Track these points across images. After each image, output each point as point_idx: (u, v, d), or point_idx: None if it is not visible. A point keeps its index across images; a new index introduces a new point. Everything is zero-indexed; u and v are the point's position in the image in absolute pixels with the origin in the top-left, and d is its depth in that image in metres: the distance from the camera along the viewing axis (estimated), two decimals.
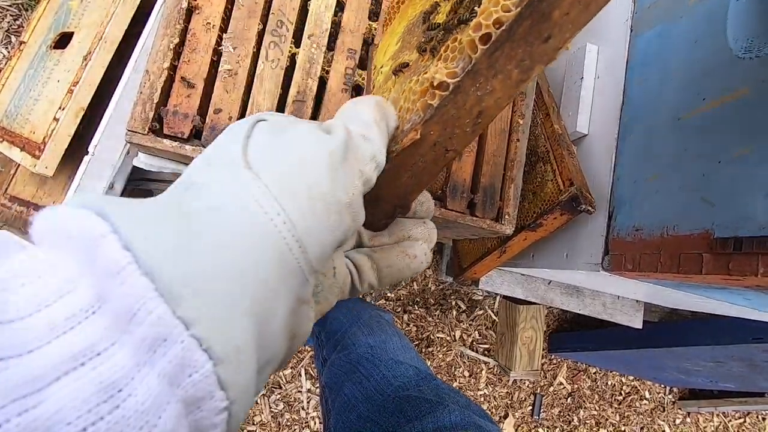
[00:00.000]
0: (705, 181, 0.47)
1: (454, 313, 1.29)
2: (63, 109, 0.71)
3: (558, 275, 0.86)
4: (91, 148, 0.64)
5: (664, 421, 1.44)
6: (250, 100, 0.52)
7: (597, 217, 0.61)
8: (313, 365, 1.20)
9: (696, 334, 0.95)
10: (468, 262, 0.87)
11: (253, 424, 1.15)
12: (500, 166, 0.58)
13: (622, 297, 0.97)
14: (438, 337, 1.28)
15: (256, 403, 1.17)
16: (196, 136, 0.50)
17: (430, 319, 1.26)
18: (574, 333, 1.28)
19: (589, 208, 0.57)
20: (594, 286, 0.90)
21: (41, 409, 0.13)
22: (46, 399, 0.13)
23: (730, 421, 1.50)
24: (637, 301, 0.99)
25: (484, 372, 1.30)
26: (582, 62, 0.68)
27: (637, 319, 0.99)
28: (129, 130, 0.47)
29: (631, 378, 1.42)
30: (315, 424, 1.18)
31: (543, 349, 1.26)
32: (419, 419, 0.50)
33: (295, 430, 1.16)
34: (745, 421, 1.50)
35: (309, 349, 1.19)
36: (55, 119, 0.72)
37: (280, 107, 0.52)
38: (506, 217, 0.58)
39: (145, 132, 0.47)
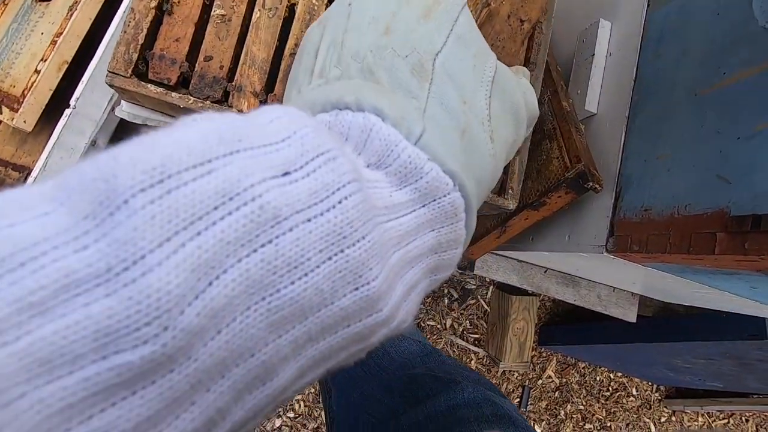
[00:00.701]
0: (722, 158, 0.45)
1: (446, 301, 1.27)
2: (45, 60, 0.67)
3: (555, 262, 0.84)
4: (72, 101, 0.60)
5: (649, 418, 1.44)
6: (244, 50, 0.48)
7: (602, 198, 0.59)
8: None
9: (690, 330, 0.94)
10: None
11: None
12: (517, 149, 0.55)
13: (618, 289, 0.96)
14: (428, 325, 1.26)
15: None
16: (184, 85, 0.47)
17: (422, 306, 1.24)
18: (565, 326, 1.27)
19: (596, 185, 0.54)
20: (592, 275, 0.88)
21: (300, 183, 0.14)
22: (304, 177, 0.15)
23: (715, 421, 1.50)
24: (632, 294, 0.97)
25: (473, 362, 1.28)
26: (594, 39, 0.66)
27: (632, 312, 0.98)
28: (110, 72, 0.44)
29: (620, 374, 1.41)
30: (299, 407, 1.15)
31: (533, 342, 1.25)
32: (431, 398, 0.46)
33: (279, 412, 1.14)
34: (729, 422, 1.50)
35: None
36: (36, 71, 0.68)
37: (277, 60, 0.49)
38: (510, 191, 0.55)
39: (128, 75, 0.44)
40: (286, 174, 0.14)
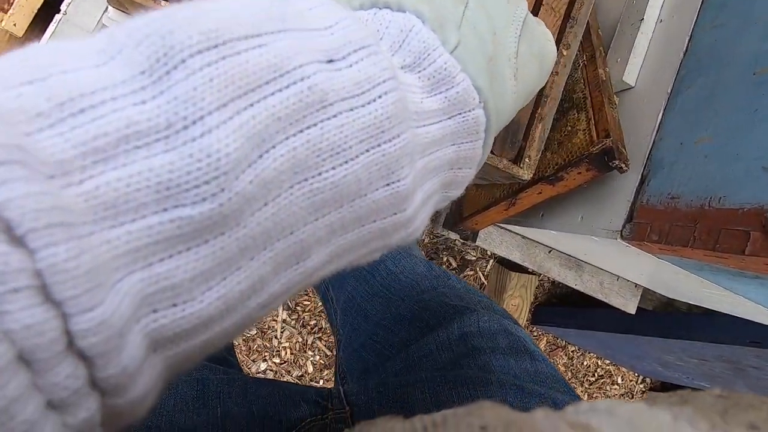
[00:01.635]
0: None
1: (444, 269, 1.24)
2: None
3: (562, 243, 0.80)
4: (63, 6, 0.55)
5: None
6: None
7: (626, 179, 0.54)
8: (293, 295, 1.16)
9: (690, 329, 0.91)
10: (471, 210, 0.80)
11: None
12: (531, 100, 0.50)
13: (622, 279, 0.92)
14: None
15: None
16: None
17: None
18: (561, 308, 1.24)
19: (622, 165, 0.49)
20: (598, 261, 0.84)
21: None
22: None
23: None
24: (636, 285, 0.94)
25: None
26: (645, 2, 0.58)
27: (632, 303, 0.94)
28: None
29: (608, 362, 1.40)
30: (286, 354, 1.15)
31: (527, 320, 1.23)
32: (443, 326, 0.43)
33: (265, 356, 1.14)
34: None
35: None
36: None
37: None
38: (526, 160, 0.51)
39: None
40: (330, 61, 0.14)
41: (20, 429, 0.10)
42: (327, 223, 0.15)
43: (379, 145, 0.15)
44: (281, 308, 1.13)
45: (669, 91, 0.53)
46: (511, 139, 0.49)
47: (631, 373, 1.44)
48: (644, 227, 0.50)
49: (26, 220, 0.10)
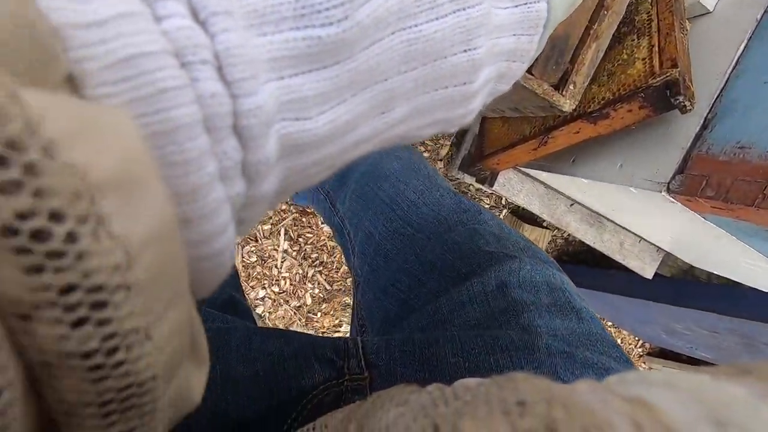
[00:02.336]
0: None
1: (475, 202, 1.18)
2: None
3: (589, 195, 0.73)
4: None
5: None
6: None
7: (685, 122, 0.46)
8: (296, 227, 1.10)
9: (708, 299, 0.86)
10: (494, 148, 0.72)
11: None
12: (586, 12, 0.41)
13: (645, 241, 0.85)
14: None
15: None
16: None
17: None
18: (572, 266, 1.19)
19: (687, 102, 0.41)
20: (624, 219, 0.77)
21: None
22: None
23: None
24: (658, 249, 0.87)
25: None
26: None
27: (651, 268, 0.89)
28: None
29: (610, 324, 1.37)
30: (285, 284, 1.12)
31: None
32: (478, 274, 0.37)
33: (264, 284, 1.11)
34: None
35: (293, 209, 1.09)
36: None
37: None
38: (571, 87, 0.43)
39: None
40: None
41: (204, 180, 0.11)
42: (413, 77, 0.16)
43: (465, 9, 0.15)
44: (283, 237, 1.09)
45: (758, 18, 0.43)
46: (556, 59, 0.41)
47: (630, 336, 1.42)
48: (698, 180, 0.42)
49: (209, 4, 0.11)
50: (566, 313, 0.34)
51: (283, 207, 1.06)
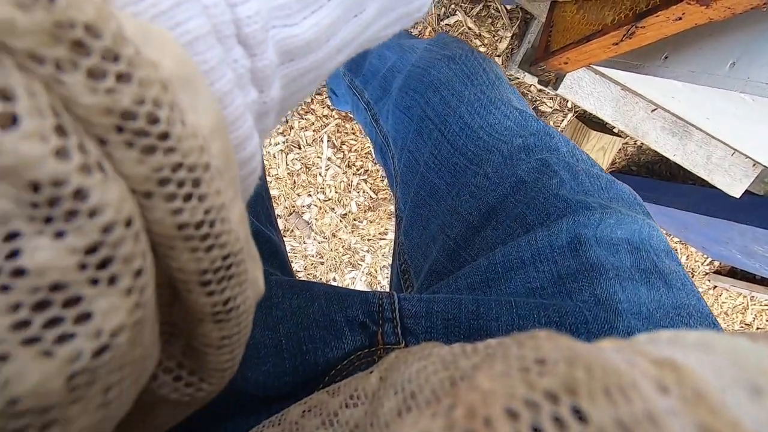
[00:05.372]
0: None
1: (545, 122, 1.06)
2: None
3: (678, 100, 0.61)
4: None
5: None
6: None
7: None
8: (339, 134, 1.06)
9: None
10: (563, 42, 0.59)
11: (269, 176, 1.09)
12: None
13: (739, 153, 0.72)
14: None
15: (273, 156, 1.09)
16: None
17: None
18: (642, 179, 1.07)
19: None
20: (719, 129, 0.64)
21: None
22: None
23: (754, 305, 1.41)
24: (754, 164, 0.74)
25: None
26: None
27: (740, 185, 0.76)
28: None
29: (677, 240, 1.27)
30: (330, 191, 1.12)
31: None
32: (546, 224, 0.31)
33: (310, 191, 1.12)
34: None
35: (335, 115, 1.03)
36: None
37: None
38: None
39: None
40: None
41: (227, 88, 0.12)
42: None
43: None
44: (326, 145, 1.06)
45: None
46: None
47: (698, 253, 1.31)
48: None
49: None
50: (653, 280, 0.28)
51: (325, 112, 1.01)
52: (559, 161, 0.34)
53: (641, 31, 0.43)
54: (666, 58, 0.48)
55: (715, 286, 1.36)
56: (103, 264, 0.09)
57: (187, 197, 0.10)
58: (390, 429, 0.12)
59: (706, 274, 1.34)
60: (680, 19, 0.39)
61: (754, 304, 1.43)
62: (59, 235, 0.08)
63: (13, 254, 0.08)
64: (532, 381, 0.09)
